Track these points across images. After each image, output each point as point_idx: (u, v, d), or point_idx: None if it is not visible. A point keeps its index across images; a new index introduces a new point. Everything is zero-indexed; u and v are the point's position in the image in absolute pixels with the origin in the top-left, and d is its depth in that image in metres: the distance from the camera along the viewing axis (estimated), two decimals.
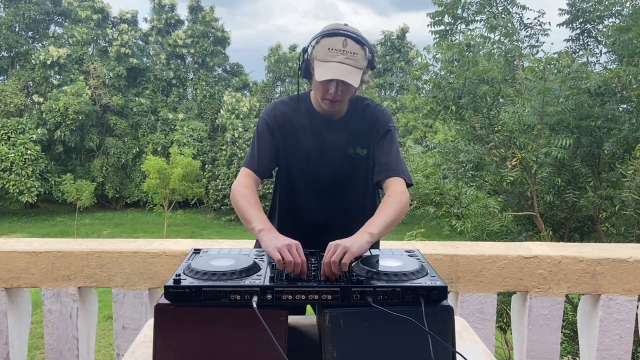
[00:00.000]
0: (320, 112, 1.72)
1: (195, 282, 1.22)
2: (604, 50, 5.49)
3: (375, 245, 1.72)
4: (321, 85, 1.59)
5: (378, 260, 1.38)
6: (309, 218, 1.76)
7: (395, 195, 1.60)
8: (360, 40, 1.56)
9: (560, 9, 5.59)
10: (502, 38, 5.28)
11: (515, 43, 5.33)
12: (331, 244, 1.32)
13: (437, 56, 5.01)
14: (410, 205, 5.04)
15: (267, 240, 1.39)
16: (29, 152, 25.33)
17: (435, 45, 5.29)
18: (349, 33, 1.55)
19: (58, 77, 28.60)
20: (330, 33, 1.56)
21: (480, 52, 5.03)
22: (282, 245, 1.31)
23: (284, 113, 1.73)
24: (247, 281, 1.23)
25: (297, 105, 1.72)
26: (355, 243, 1.34)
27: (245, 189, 1.64)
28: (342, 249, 1.29)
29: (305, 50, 1.63)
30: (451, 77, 4.96)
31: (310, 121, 1.71)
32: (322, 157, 1.72)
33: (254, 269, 1.31)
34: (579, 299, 2.44)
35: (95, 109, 28.22)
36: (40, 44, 30.01)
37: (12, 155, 24.95)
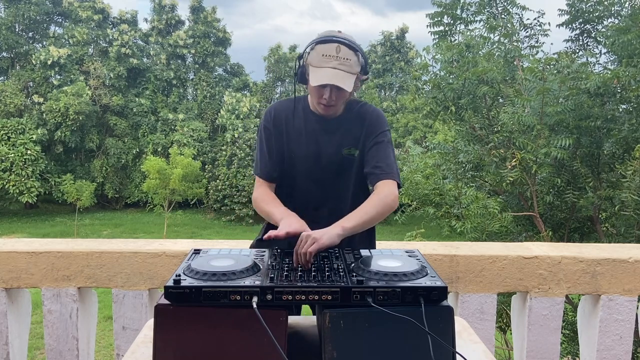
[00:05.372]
0: (316, 113, 1.76)
1: (195, 283, 1.22)
2: (604, 50, 5.49)
3: (365, 243, 1.76)
4: (316, 90, 1.65)
5: (378, 261, 1.39)
6: (304, 205, 1.78)
7: (381, 195, 1.66)
8: (352, 47, 1.62)
9: (559, 10, 5.59)
10: (501, 38, 5.27)
11: (515, 43, 5.32)
12: (303, 235, 1.44)
13: (436, 57, 5.01)
14: (410, 205, 5.05)
15: (281, 223, 1.55)
16: (29, 152, 25.32)
17: (435, 46, 5.29)
18: (342, 40, 1.61)
19: (58, 77, 28.60)
20: (324, 40, 1.62)
21: (480, 53, 5.03)
22: (289, 228, 1.50)
23: (280, 114, 1.79)
24: (247, 281, 1.23)
25: (293, 107, 1.78)
26: (324, 235, 1.45)
27: (261, 194, 1.77)
28: (311, 240, 1.41)
29: (300, 57, 1.69)
30: (451, 78, 4.95)
31: (306, 122, 1.76)
32: (316, 157, 1.76)
33: (254, 269, 1.32)
34: (579, 299, 2.44)
35: (96, 109, 28.21)
36: (40, 45, 30.00)
37: (12, 155, 24.94)
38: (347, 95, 1.68)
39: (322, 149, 1.75)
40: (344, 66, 1.59)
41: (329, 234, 1.46)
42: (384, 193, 1.67)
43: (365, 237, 1.77)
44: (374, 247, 1.84)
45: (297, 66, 1.70)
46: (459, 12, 5.35)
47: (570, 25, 5.65)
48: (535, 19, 5.51)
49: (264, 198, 1.75)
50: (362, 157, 1.76)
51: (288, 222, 1.56)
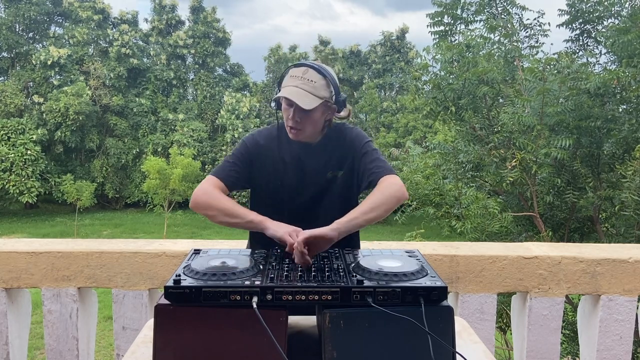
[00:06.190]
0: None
1: (195, 283, 1.22)
2: (604, 51, 5.49)
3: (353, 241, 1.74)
4: (284, 112, 1.68)
5: (378, 261, 1.39)
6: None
7: (382, 187, 1.62)
8: (322, 72, 1.65)
9: (559, 10, 5.59)
10: (501, 38, 5.27)
11: (515, 43, 5.32)
12: (300, 233, 1.44)
13: (436, 57, 5.01)
14: (410, 205, 5.04)
15: (275, 226, 1.52)
16: (29, 152, 25.31)
17: (435, 46, 5.29)
18: (312, 64, 1.66)
19: (58, 77, 28.59)
20: (296, 64, 1.69)
21: (480, 53, 5.03)
22: (292, 231, 1.46)
23: (265, 142, 1.76)
24: (247, 281, 1.23)
25: (277, 135, 1.76)
26: (320, 229, 1.44)
27: (218, 193, 1.65)
28: (302, 233, 1.42)
29: (279, 83, 1.72)
30: (451, 78, 4.95)
31: (290, 150, 1.75)
32: (301, 183, 1.74)
33: (254, 269, 1.32)
34: (579, 299, 2.44)
35: (96, 109, 28.21)
36: (40, 45, 30.00)
37: (12, 155, 24.93)
38: (314, 120, 1.65)
39: (308, 175, 1.74)
40: (306, 86, 1.61)
41: (324, 228, 1.45)
42: (385, 184, 1.62)
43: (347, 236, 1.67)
44: (357, 246, 1.80)
45: (276, 92, 1.71)
46: (459, 12, 5.34)
47: (570, 26, 5.65)
48: (535, 19, 5.52)
49: (226, 197, 1.66)
50: (347, 176, 1.74)
51: (279, 224, 1.53)
